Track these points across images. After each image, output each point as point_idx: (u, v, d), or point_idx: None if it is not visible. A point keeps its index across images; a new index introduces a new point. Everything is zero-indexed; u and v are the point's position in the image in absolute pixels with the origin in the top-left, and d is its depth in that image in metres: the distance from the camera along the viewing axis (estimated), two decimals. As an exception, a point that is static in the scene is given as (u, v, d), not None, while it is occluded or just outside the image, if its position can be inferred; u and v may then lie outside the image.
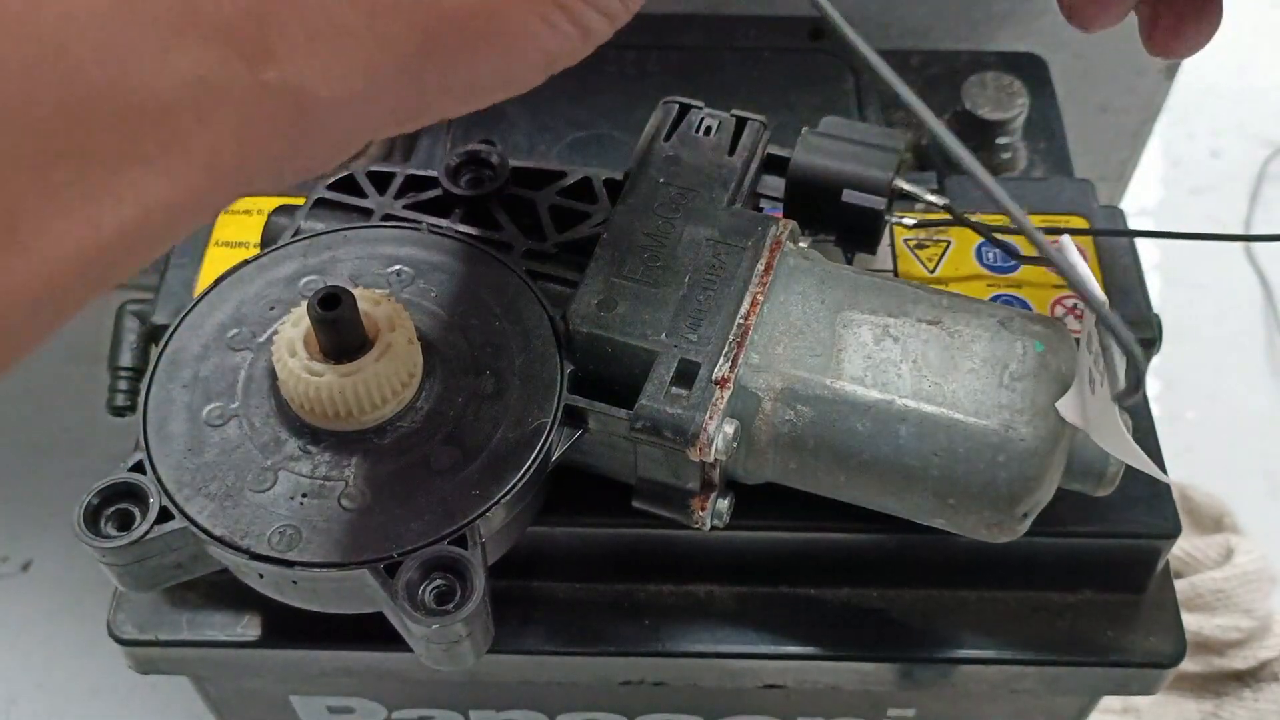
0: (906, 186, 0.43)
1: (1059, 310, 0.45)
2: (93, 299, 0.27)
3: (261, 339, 0.38)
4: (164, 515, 0.35)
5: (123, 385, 0.46)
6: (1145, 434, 0.42)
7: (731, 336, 0.36)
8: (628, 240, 0.39)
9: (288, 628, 0.41)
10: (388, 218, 0.42)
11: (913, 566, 0.42)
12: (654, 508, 0.38)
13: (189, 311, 0.39)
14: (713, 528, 0.38)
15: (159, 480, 0.36)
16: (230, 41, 0.25)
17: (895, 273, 0.46)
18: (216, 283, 0.40)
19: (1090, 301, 0.30)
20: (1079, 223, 0.48)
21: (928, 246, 0.47)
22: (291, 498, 0.35)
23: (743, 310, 0.37)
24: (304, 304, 0.36)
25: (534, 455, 0.36)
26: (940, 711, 0.47)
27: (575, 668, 0.43)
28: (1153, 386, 0.66)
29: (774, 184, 0.44)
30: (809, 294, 0.38)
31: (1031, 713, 0.47)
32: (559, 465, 0.37)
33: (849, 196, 0.41)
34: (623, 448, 0.37)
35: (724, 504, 0.38)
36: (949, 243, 0.47)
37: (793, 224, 0.40)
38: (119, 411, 0.46)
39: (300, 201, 0.44)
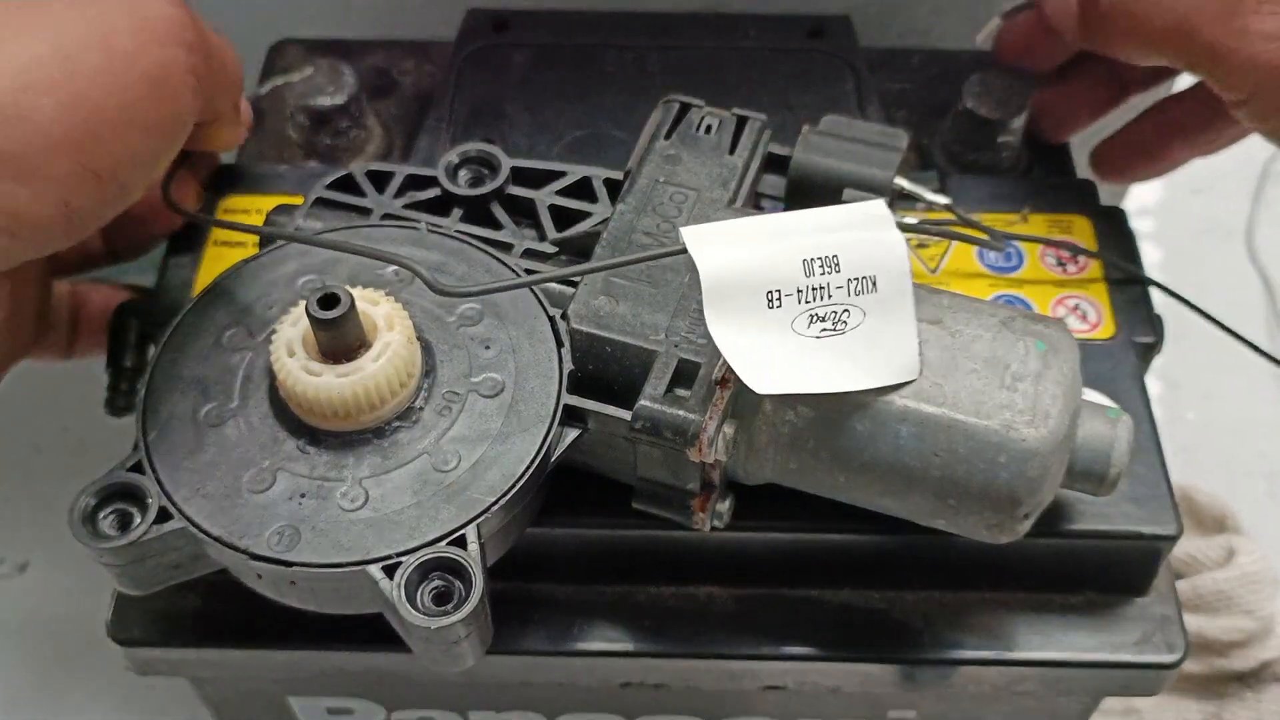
0: (908, 186, 0.43)
1: (1060, 310, 0.45)
2: None
3: (260, 339, 0.38)
4: (162, 515, 0.35)
5: (122, 385, 0.46)
6: (1147, 434, 0.42)
7: (732, 336, 0.36)
8: (628, 240, 0.39)
9: (287, 628, 0.41)
10: (387, 217, 0.42)
11: (913, 568, 0.42)
12: (654, 509, 0.38)
13: (188, 311, 0.39)
14: (713, 529, 0.38)
15: (158, 480, 0.36)
16: None
17: (896, 272, 0.46)
18: (215, 283, 0.40)
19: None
20: (1081, 223, 0.48)
21: (929, 246, 0.47)
22: (290, 498, 0.35)
23: (743, 310, 0.37)
24: (302, 304, 0.36)
25: (534, 455, 0.36)
26: (941, 713, 0.47)
27: (575, 669, 0.43)
28: (1153, 387, 0.66)
29: (774, 183, 0.43)
30: (809, 294, 0.38)
31: (1033, 714, 0.47)
32: (559, 465, 0.37)
33: (850, 196, 0.41)
34: (622, 448, 0.37)
35: (724, 505, 0.38)
36: (951, 242, 0.47)
37: (793, 223, 0.40)
38: (118, 411, 0.46)
39: (299, 201, 0.44)
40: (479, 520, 0.34)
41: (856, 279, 0.35)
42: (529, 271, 0.40)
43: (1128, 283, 0.46)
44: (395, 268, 0.40)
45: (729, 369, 0.36)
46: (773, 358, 0.34)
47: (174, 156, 0.39)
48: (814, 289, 0.34)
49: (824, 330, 0.35)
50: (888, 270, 0.35)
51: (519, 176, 0.43)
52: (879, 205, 0.36)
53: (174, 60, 0.36)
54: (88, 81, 0.34)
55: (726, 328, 0.34)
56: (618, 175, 0.42)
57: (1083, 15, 0.45)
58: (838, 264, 0.34)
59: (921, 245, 0.47)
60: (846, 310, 0.35)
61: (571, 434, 0.37)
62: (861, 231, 0.35)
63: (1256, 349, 0.48)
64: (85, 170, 0.34)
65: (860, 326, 0.35)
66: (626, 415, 0.36)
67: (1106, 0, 0.43)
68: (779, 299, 0.34)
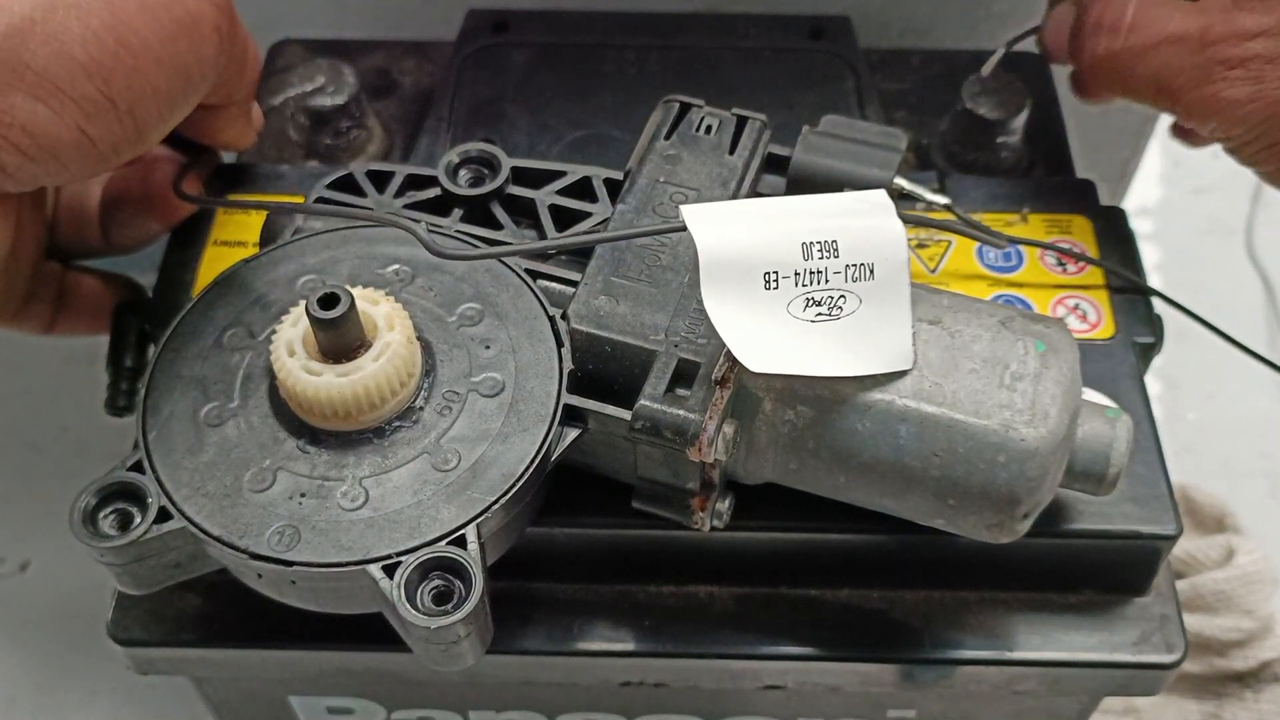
0: (907, 186, 0.43)
1: (1060, 310, 0.45)
2: None
3: (260, 338, 0.38)
4: (163, 515, 0.35)
5: (122, 385, 0.46)
6: (1147, 434, 0.42)
7: (732, 336, 0.36)
8: (628, 239, 0.39)
9: (287, 628, 0.41)
10: (387, 217, 0.42)
11: (913, 567, 0.42)
12: (654, 508, 0.38)
13: (188, 311, 0.39)
14: (713, 528, 0.38)
15: (158, 480, 0.36)
16: None
17: (896, 272, 0.46)
18: (215, 282, 0.40)
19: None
20: (1081, 222, 0.48)
21: (929, 246, 0.47)
22: (290, 497, 0.35)
23: (743, 310, 0.37)
24: (303, 304, 0.36)
25: (534, 455, 0.36)
26: (941, 712, 0.47)
27: (575, 668, 0.43)
28: (1153, 387, 0.66)
29: (774, 183, 0.43)
30: (809, 294, 0.38)
31: (1032, 713, 0.47)
32: (559, 465, 0.37)
33: (850, 196, 0.41)
34: (623, 448, 0.37)
35: (724, 505, 0.38)
36: (950, 242, 0.47)
37: (793, 223, 0.40)
38: (118, 411, 0.46)
39: (300, 200, 0.44)
40: (479, 520, 0.34)
41: (854, 265, 0.35)
42: (530, 272, 0.40)
43: (1129, 291, 0.46)
44: (395, 267, 0.40)
45: (729, 369, 0.36)
46: (767, 338, 0.34)
47: (188, 110, 0.39)
48: (812, 273, 0.34)
49: (819, 315, 0.35)
50: (886, 259, 0.35)
51: (519, 176, 0.43)
52: (881, 194, 0.36)
53: (205, 14, 0.37)
54: (121, 12, 0.35)
55: (722, 305, 0.34)
56: (618, 175, 0.42)
57: (1073, 63, 0.46)
58: (836, 249, 0.34)
59: (921, 245, 0.47)
60: (843, 296, 0.35)
61: (571, 434, 0.37)
62: (862, 219, 0.35)
63: (1257, 356, 0.48)
64: (105, 99, 0.35)
65: (855, 313, 0.35)
66: (626, 415, 0.36)
67: (1089, 60, 0.45)
68: (776, 280, 0.34)
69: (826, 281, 0.34)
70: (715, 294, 0.34)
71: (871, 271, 0.35)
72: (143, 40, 0.35)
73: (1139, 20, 0.43)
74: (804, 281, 0.34)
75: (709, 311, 0.34)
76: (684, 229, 0.34)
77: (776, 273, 0.34)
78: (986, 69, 0.51)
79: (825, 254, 0.34)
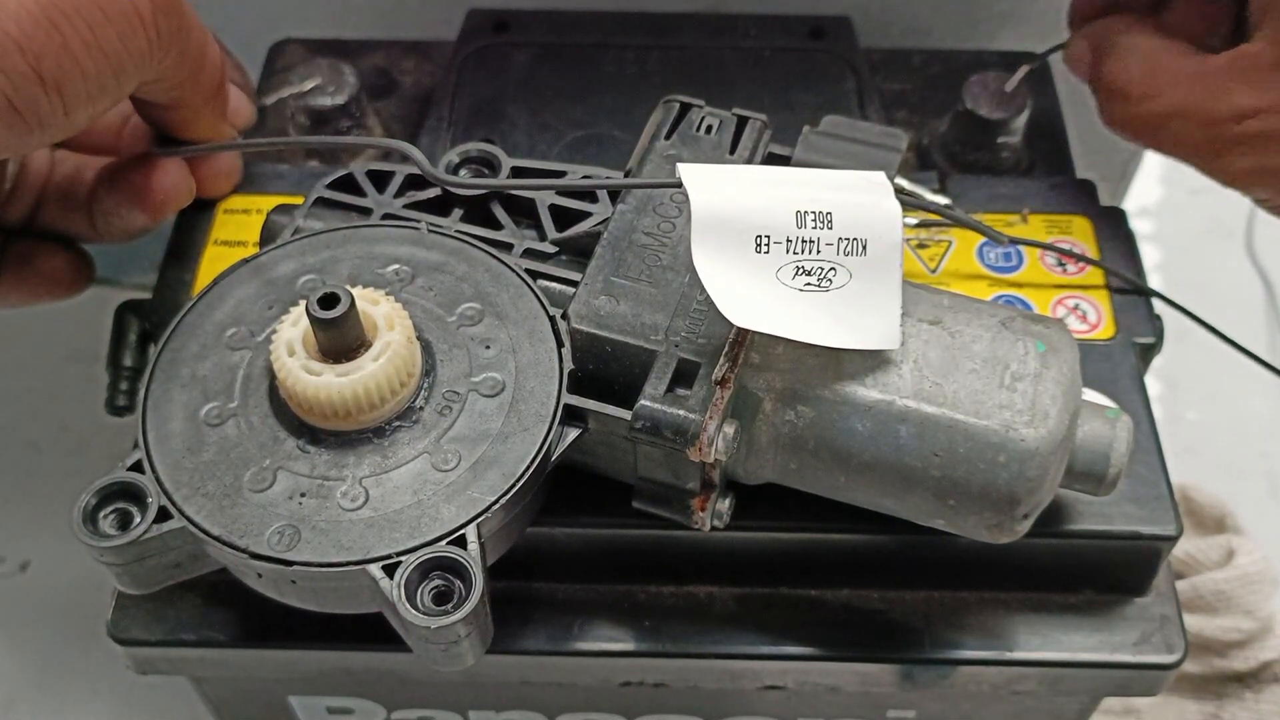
0: (908, 186, 0.43)
1: (1061, 311, 0.45)
2: None
3: (260, 338, 0.38)
4: (162, 515, 0.35)
5: (122, 385, 0.46)
6: (1147, 434, 0.42)
7: (732, 336, 0.36)
8: (628, 239, 0.39)
9: (287, 628, 0.41)
10: (387, 217, 0.42)
11: (913, 568, 0.42)
12: (654, 508, 0.38)
13: (187, 311, 0.39)
14: (713, 529, 0.38)
15: (158, 479, 0.36)
16: None
17: (896, 272, 0.46)
18: (215, 282, 0.40)
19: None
20: (1081, 222, 0.48)
21: (929, 246, 0.47)
22: (290, 497, 0.35)
23: (743, 310, 0.37)
24: (303, 303, 0.36)
25: (534, 455, 0.36)
26: (940, 713, 0.47)
27: (575, 668, 0.43)
28: (1154, 387, 0.66)
29: (775, 183, 0.43)
30: (809, 294, 0.38)
31: (1032, 714, 0.47)
32: (559, 465, 0.37)
33: (850, 196, 0.41)
34: (623, 448, 0.37)
35: (724, 505, 0.38)
36: (950, 242, 0.47)
37: (793, 223, 0.40)
38: (118, 411, 0.46)
39: (299, 200, 0.44)
40: (479, 520, 0.34)
41: (847, 239, 0.35)
42: (530, 272, 0.40)
43: (1130, 293, 0.46)
44: (395, 267, 0.40)
45: (729, 369, 0.36)
46: (754, 298, 0.34)
47: (119, 96, 0.40)
48: (804, 241, 0.34)
49: (808, 284, 0.35)
50: (879, 237, 0.35)
51: (519, 176, 0.43)
52: (880, 175, 0.36)
53: (140, 9, 0.38)
54: None
55: (712, 263, 0.34)
56: (618, 175, 0.42)
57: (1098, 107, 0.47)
58: (831, 221, 0.34)
59: (922, 245, 0.47)
60: (833, 269, 0.35)
61: (572, 434, 0.37)
62: (860, 195, 0.35)
63: (1258, 359, 0.48)
64: (34, 73, 0.35)
65: (845, 287, 0.35)
66: (627, 415, 0.36)
67: (1109, 121, 0.45)
68: (767, 245, 0.34)
69: (818, 252, 0.34)
70: (705, 252, 0.34)
71: (864, 248, 0.35)
72: (73, 24, 0.36)
73: (1147, 89, 0.43)
74: (795, 250, 0.34)
75: (697, 267, 0.34)
76: (679, 186, 0.34)
77: (768, 237, 0.34)
78: (1010, 85, 0.51)
79: (819, 225, 0.34)
